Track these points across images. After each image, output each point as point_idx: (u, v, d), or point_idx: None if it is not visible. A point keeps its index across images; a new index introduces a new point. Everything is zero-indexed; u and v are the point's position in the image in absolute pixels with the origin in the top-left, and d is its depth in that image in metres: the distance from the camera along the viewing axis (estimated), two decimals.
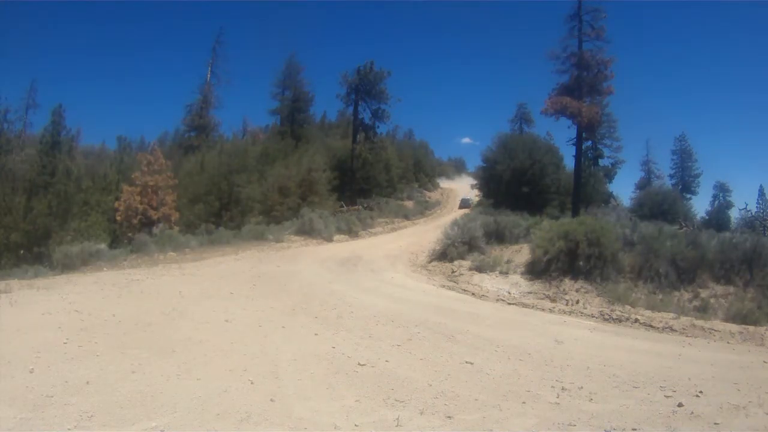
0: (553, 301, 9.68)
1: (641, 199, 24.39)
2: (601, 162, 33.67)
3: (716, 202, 36.32)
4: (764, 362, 6.12)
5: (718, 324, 8.00)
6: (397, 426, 3.59)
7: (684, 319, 8.21)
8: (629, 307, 9.01)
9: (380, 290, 9.91)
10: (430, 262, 13.65)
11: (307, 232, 18.89)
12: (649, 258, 10.25)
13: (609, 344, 6.73)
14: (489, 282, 11.06)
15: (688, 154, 40.66)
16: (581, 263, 10.48)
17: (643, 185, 36.26)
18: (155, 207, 17.94)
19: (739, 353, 6.65)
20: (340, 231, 20.66)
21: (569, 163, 24.96)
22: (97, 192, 19.44)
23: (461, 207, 35.51)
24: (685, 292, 9.68)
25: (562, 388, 4.54)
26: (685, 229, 14.86)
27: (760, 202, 32.48)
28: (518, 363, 5.42)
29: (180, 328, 6.13)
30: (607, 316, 8.47)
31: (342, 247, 17.20)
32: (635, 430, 3.62)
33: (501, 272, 11.48)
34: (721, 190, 36.78)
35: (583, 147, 25.03)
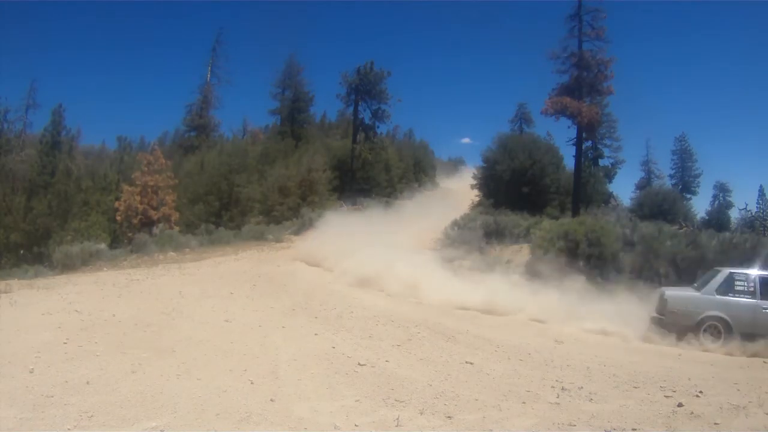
0: None
1: (641, 199, 24.35)
2: (601, 162, 33.59)
3: (716, 202, 36.26)
4: (764, 362, 6.13)
5: None
6: (397, 426, 3.59)
7: None
8: None
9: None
10: None
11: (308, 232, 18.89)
12: (649, 258, 10.26)
13: (609, 344, 6.73)
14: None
15: (688, 154, 40.57)
16: (581, 263, 10.47)
17: (643, 185, 36.16)
18: (155, 207, 17.94)
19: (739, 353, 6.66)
20: None
21: (569, 163, 24.85)
22: (97, 192, 19.45)
23: None
24: None
25: (562, 388, 4.54)
26: (685, 229, 14.85)
27: (760, 202, 32.43)
28: (518, 363, 5.41)
29: (180, 328, 6.13)
30: None
31: None
32: (635, 430, 3.61)
33: (501, 272, 11.47)
34: (721, 190, 36.69)
35: (583, 147, 24.94)
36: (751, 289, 7.02)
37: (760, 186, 31.88)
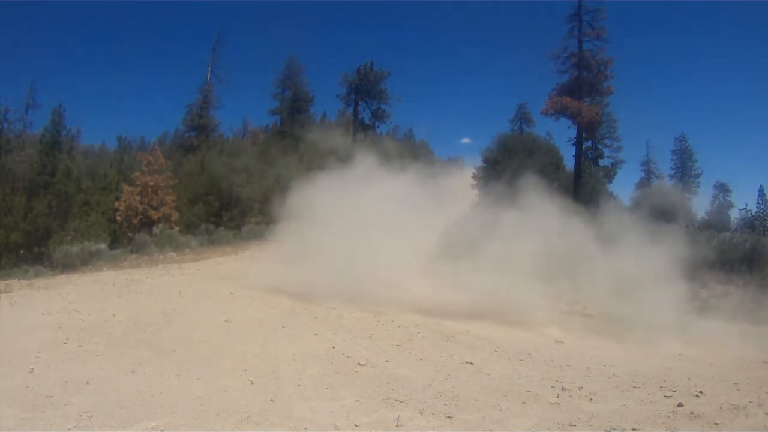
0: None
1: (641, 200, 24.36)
2: (601, 162, 33.55)
3: (716, 202, 36.20)
4: (764, 362, 6.12)
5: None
6: (397, 426, 3.59)
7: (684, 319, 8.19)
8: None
9: None
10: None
11: None
12: None
13: (609, 344, 6.73)
14: None
15: (688, 154, 40.51)
16: None
17: (643, 185, 36.18)
18: (155, 207, 17.96)
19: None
20: None
21: (569, 163, 24.91)
22: (97, 192, 19.45)
23: None
24: None
25: (562, 388, 4.54)
26: (684, 229, 14.83)
27: (760, 202, 32.34)
28: (518, 363, 5.41)
29: (180, 328, 6.13)
30: None
31: None
32: (635, 430, 3.61)
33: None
34: (721, 190, 36.63)
35: (583, 147, 24.97)
36: None
37: (760, 186, 31.71)
